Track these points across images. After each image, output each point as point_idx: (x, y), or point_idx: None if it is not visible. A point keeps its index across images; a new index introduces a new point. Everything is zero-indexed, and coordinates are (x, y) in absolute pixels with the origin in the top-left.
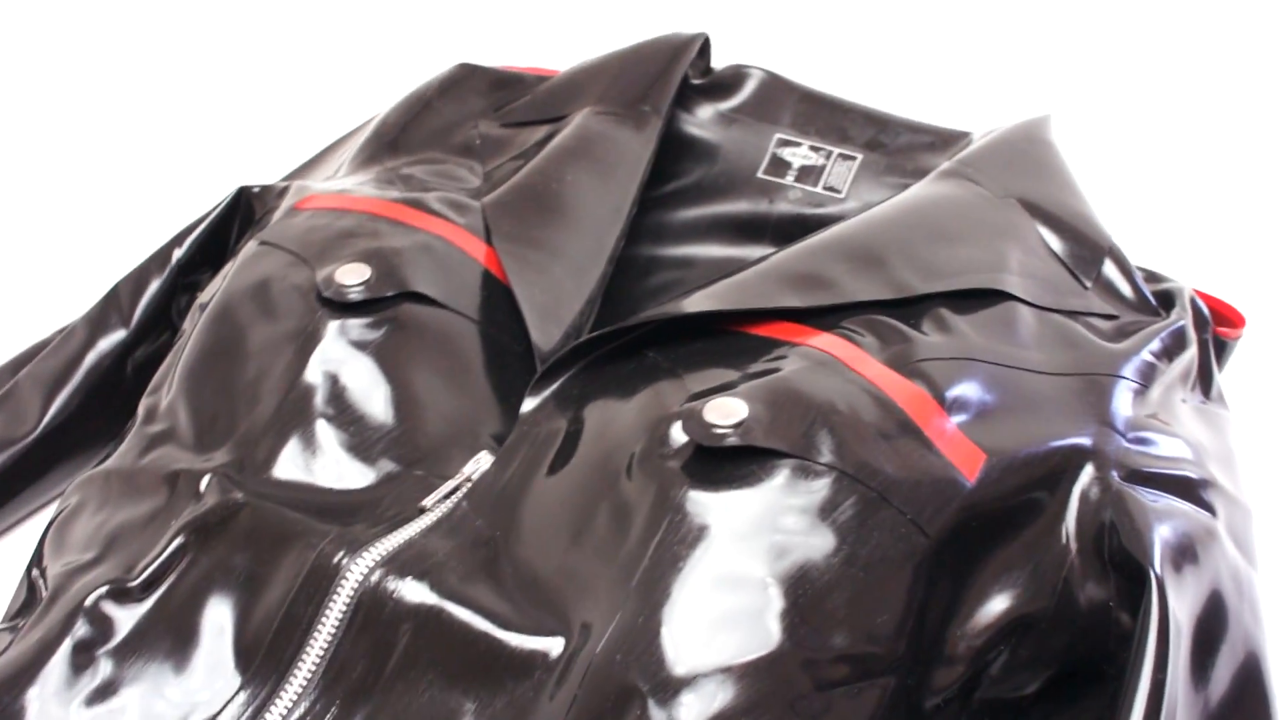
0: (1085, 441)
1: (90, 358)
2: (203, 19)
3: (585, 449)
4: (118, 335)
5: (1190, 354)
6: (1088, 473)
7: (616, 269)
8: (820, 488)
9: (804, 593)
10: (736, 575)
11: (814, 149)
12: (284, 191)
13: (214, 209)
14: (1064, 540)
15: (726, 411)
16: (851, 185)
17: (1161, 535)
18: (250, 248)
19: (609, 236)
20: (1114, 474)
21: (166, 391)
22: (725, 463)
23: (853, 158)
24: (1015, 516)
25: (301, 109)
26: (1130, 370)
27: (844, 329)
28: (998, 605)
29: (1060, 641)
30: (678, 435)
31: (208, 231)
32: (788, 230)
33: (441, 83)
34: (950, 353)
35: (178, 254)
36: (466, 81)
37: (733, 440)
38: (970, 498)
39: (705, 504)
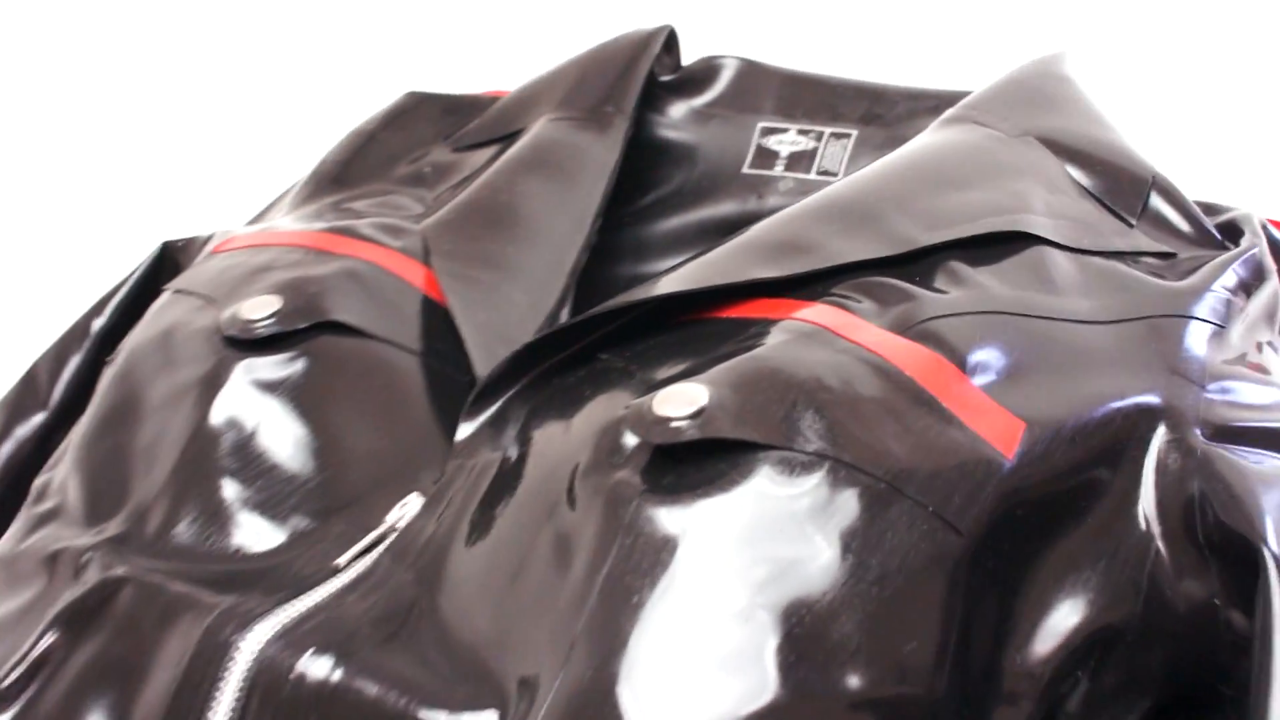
0: (1153, 398)
1: (6, 447)
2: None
3: (525, 478)
4: (36, 419)
5: (1272, 287)
6: (1162, 436)
7: (595, 294)
8: (811, 484)
9: (802, 621)
10: (710, 607)
11: (803, 132)
12: (210, 240)
13: (135, 269)
14: (1142, 525)
15: (682, 400)
16: (848, 165)
17: (1272, 501)
18: (160, 299)
19: (570, 249)
20: (1197, 433)
21: (60, 466)
22: (687, 466)
23: (847, 135)
24: (1074, 501)
25: (257, 153)
26: (1202, 309)
27: (834, 296)
28: (1066, 618)
29: (1156, 659)
30: (628, 440)
31: (130, 295)
32: None
33: (386, 114)
34: (968, 307)
35: (98, 323)
36: (415, 110)
37: (692, 434)
38: (1011, 480)
39: (664, 520)
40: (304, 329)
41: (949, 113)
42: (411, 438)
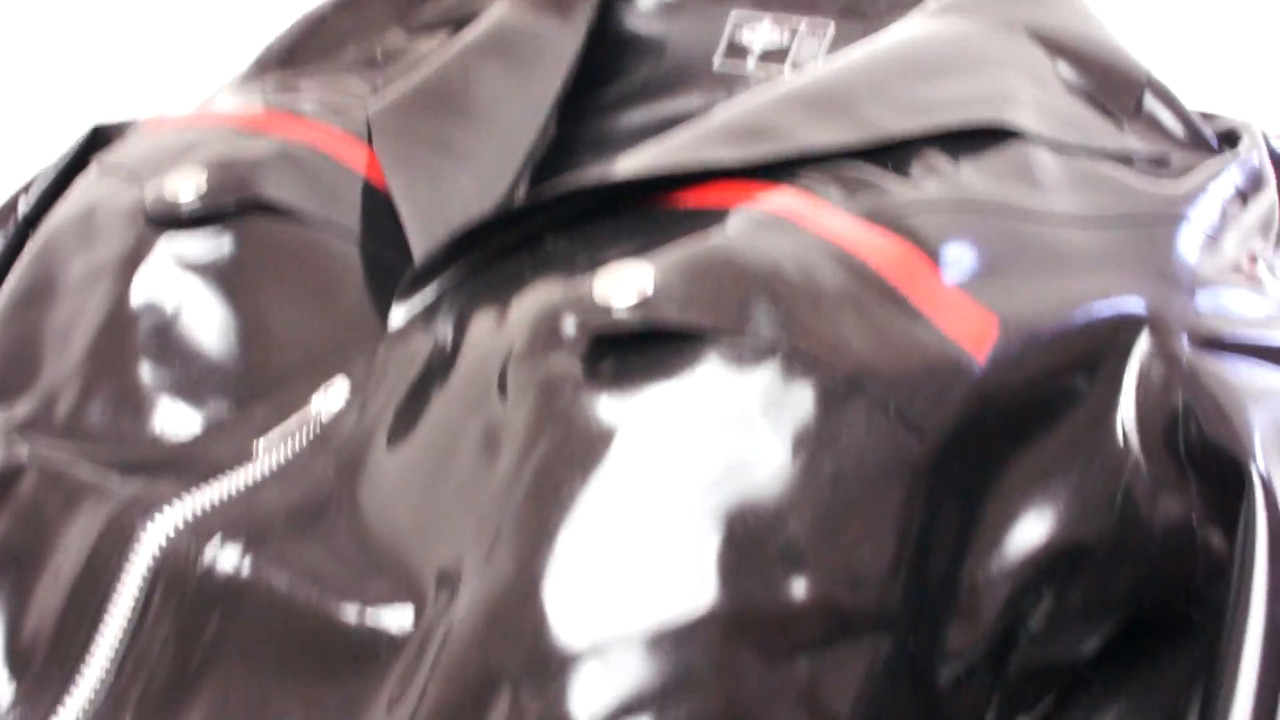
0: (1138, 305)
1: None
2: None
3: (458, 367)
4: None
5: (1270, 197)
6: (1145, 345)
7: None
8: (763, 376)
9: (746, 523)
10: (646, 505)
11: (777, 23)
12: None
13: (66, 152)
14: (1120, 437)
15: (625, 283)
16: (824, 61)
17: (1261, 417)
18: (85, 176)
19: (524, 137)
20: (1183, 342)
21: None
22: (629, 352)
23: (824, 27)
24: (1048, 409)
25: (201, 43)
26: (1195, 213)
27: (799, 183)
28: (1032, 530)
29: (1125, 578)
30: (567, 327)
31: (59, 177)
32: None
33: None
34: (943, 200)
35: (24, 205)
36: None
37: (635, 321)
38: (982, 384)
39: (601, 409)
40: (232, 209)
41: (932, 4)
42: (343, 324)
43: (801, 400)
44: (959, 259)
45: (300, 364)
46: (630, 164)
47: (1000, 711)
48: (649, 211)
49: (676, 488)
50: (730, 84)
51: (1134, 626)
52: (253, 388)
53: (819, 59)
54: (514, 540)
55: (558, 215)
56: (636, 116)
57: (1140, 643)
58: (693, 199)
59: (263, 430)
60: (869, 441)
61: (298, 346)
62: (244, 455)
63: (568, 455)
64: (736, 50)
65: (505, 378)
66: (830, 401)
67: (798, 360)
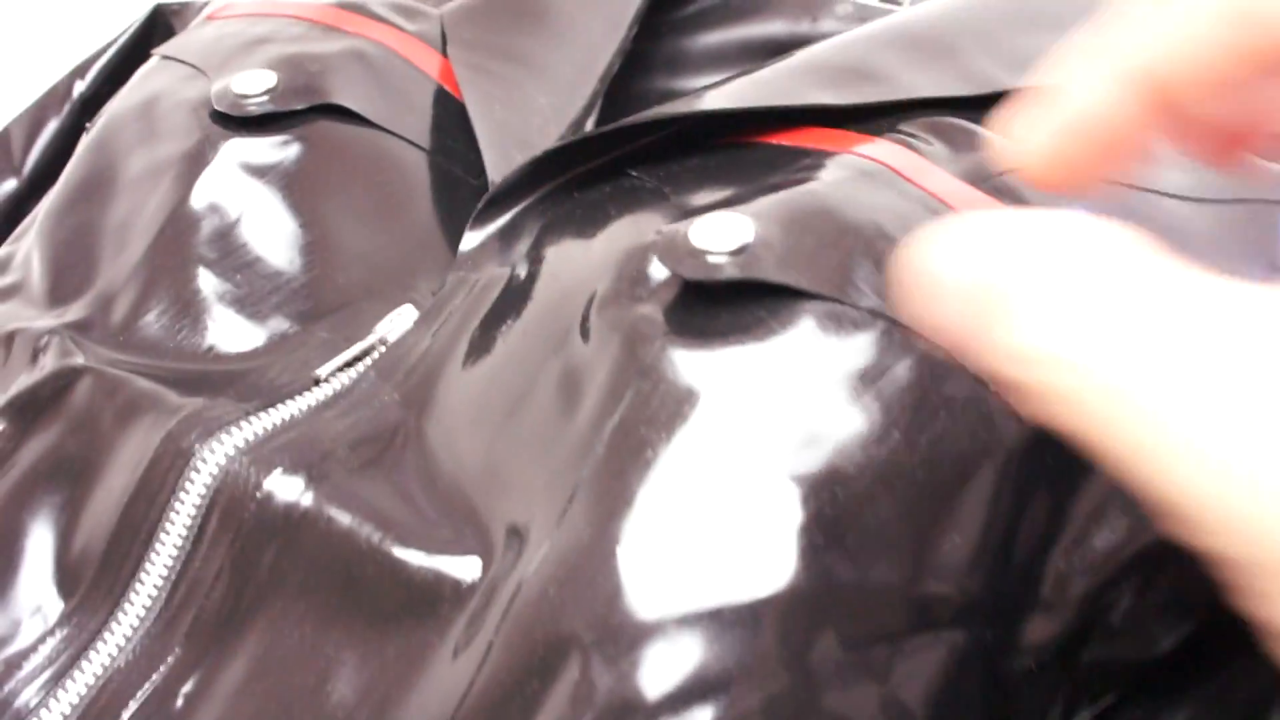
0: None
1: None
2: None
3: (535, 300)
4: (8, 186)
5: None
6: None
7: (624, 106)
8: (861, 345)
9: (835, 499)
10: (732, 471)
11: None
12: (207, 5)
13: (124, 32)
14: None
15: (724, 232)
16: None
17: None
18: (147, 65)
19: (603, 53)
20: None
21: (26, 237)
22: (721, 308)
23: None
24: None
25: None
26: None
27: (901, 133)
28: (1120, 525)
29: (1208, 580)
30: (656, 271)
31: (116, 59)
32: None
33: None
34: None
35: (80, 87)
36: None
37: (731, 272)
38: None
39: (690, 366)
40: (301, 110)
41: None
42: (411, 241)
43: (899, 374)
44: None
45: (365, 283)
46: (720, 95)
47: (1066, 704)
48: (740, 149)
49: (765, 456)
50: (814, 9)
51: (1212, 629)
52: (316, 305)
53: None
54: (592, 501)
55: (640, 144)
56: (714, 37)
57: (1217, 646)
58: (786, 139)
59: (326, 352)
60: (965, 424)
61: (363, 264)
62: (306, 377)
63: (653, 414)
64: None
65: (588, 319)
66: (930, 380)
67: (898, 332)
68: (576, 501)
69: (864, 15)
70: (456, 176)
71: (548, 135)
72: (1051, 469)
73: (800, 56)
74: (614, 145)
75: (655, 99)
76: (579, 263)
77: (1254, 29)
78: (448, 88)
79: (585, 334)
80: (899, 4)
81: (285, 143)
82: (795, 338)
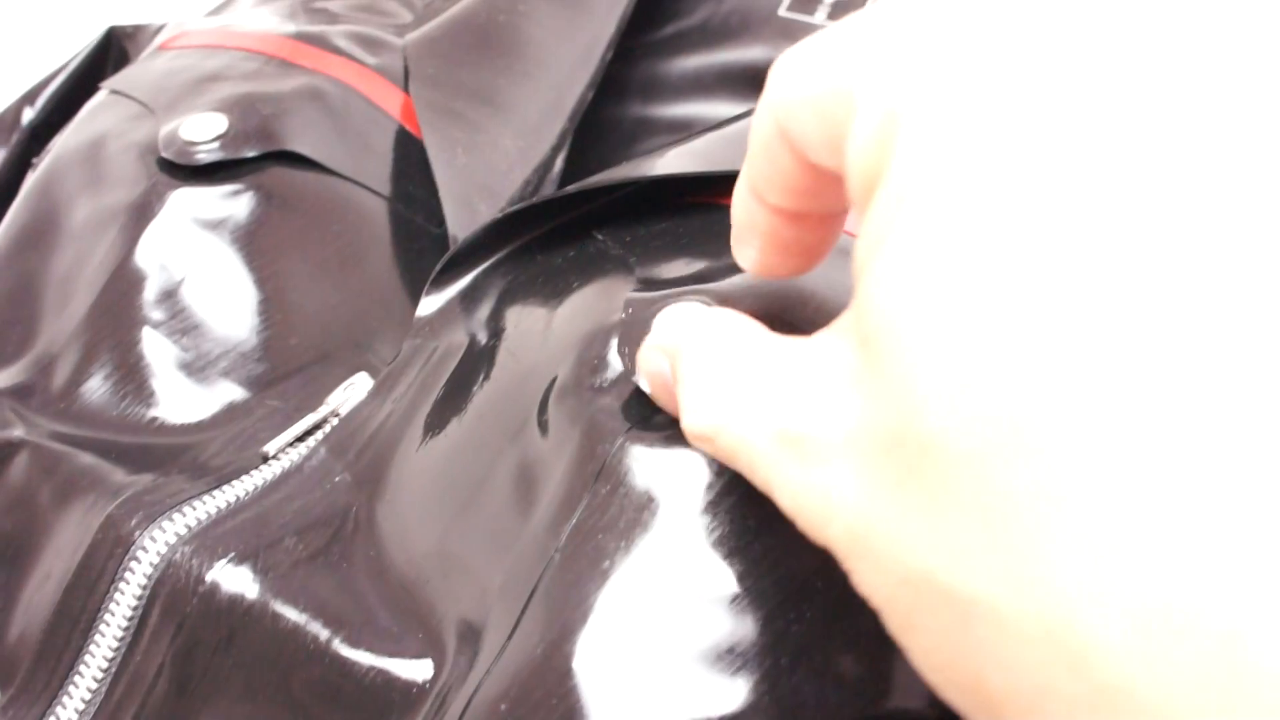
0: None
1: None
2: None
3: (493, 379)
4: None
5: None
6: None
7: (595, 134)
8: None
9: (803, 616)
10: (694, 585)
11: None
12: (161, 30)
13: (75, 56)
14: None
15: None
16: None
17: None
18: (95, 99)
19: (574, 86)
20: None
21: None
22: None
23: None
24: None
25: None
26: None
27: None
28: None
29: None
30: (618, 359)
31: (67, 85)
32: None
33: None
34: None
35: (29, 114)
36: None
37: None
38: None
39: (652, 468)
40: (254, 157)
41: None
42: (369, 297)
43: None
44: None
45: (320, 345)
46: (687, 154)
47: None
48: (709, 211)
49: (728, 568)
50: (795, 35)
51: None
52: (267, 370)
53: None
54: (547, 611)
55: (604, 202)
56: (692, 61)
57: None
58: None
59: (276, 423)
60: None
61: (318, 324)
62: (254, 454)
63: (611, 520)
64: None
65: (546, 408)
66: None
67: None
68: (531, 610)
69: None
70: (417, 226)
71: (513, 180)
72: None
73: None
74: (576, 205)
75: (629, 126)
76: (539, 341)
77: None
78: (409, 128)
79: (543, 425)
80: None
81: (236, 193)
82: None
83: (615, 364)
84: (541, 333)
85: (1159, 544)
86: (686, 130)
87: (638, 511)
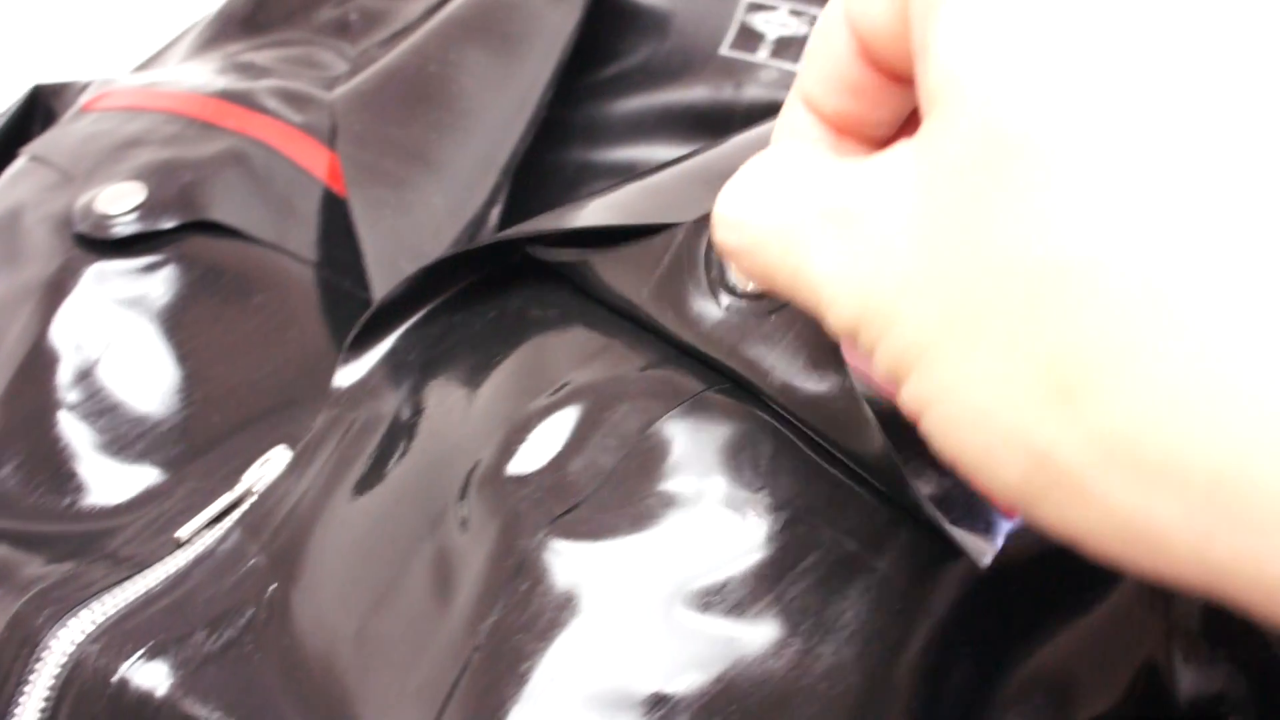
0: None
1: None
2: None
3: (412, 457)
4: None
5: None
6: None
7: (537, 180)
8: (762, 537)
9: (729, 717)
10: (613, 689)
11: (795, 13)
12: (87, 88)
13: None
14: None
15: None
16: None
17: None
18: (15, 165)
19: (508, 137)
20: None
21: None
22: (608, 490)
23: None
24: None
25: None
26: None
27: None
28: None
29: None
30: (540, 445)
31: None
32: (759, 122)
33: None
34: None
35: None
36: None
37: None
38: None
39: (572, 564)
40: (171, 229)
41: None
42: (294, 368)
43: (806, 570)
44: None
45: (242, 420)
46: (608, 206)
47: None
48: None
49: (649, 672)
50: (738, 74)
51: None
52: (187, 449)
53: None
54: (464, 714)
55: (528, 260)
56: (634, 102)
57: None
58: None
59: (194, 505)
60: (876, 624)
61: (240, 399)
62: (169, 539)
63: (530, 620)
64: (748, 36)
65: (466, 495)
66: (836, 574)
67: (804, 525)
68: (450, 711)
69: (789, 81)
70: (345, 291)
71: (442, 239)
72: (976, 643)
73: (692, 160)
74: (498, 257)
75: (572, 171)
76: (460, 419)
77: None
78: (336, 189)
79: (463, 513)
80: None
81: (154, 266)
82: (688, 529)
83: (539, 449)
84: (463, 411)
85: None
86: (629, 174)
87: (557, 611)
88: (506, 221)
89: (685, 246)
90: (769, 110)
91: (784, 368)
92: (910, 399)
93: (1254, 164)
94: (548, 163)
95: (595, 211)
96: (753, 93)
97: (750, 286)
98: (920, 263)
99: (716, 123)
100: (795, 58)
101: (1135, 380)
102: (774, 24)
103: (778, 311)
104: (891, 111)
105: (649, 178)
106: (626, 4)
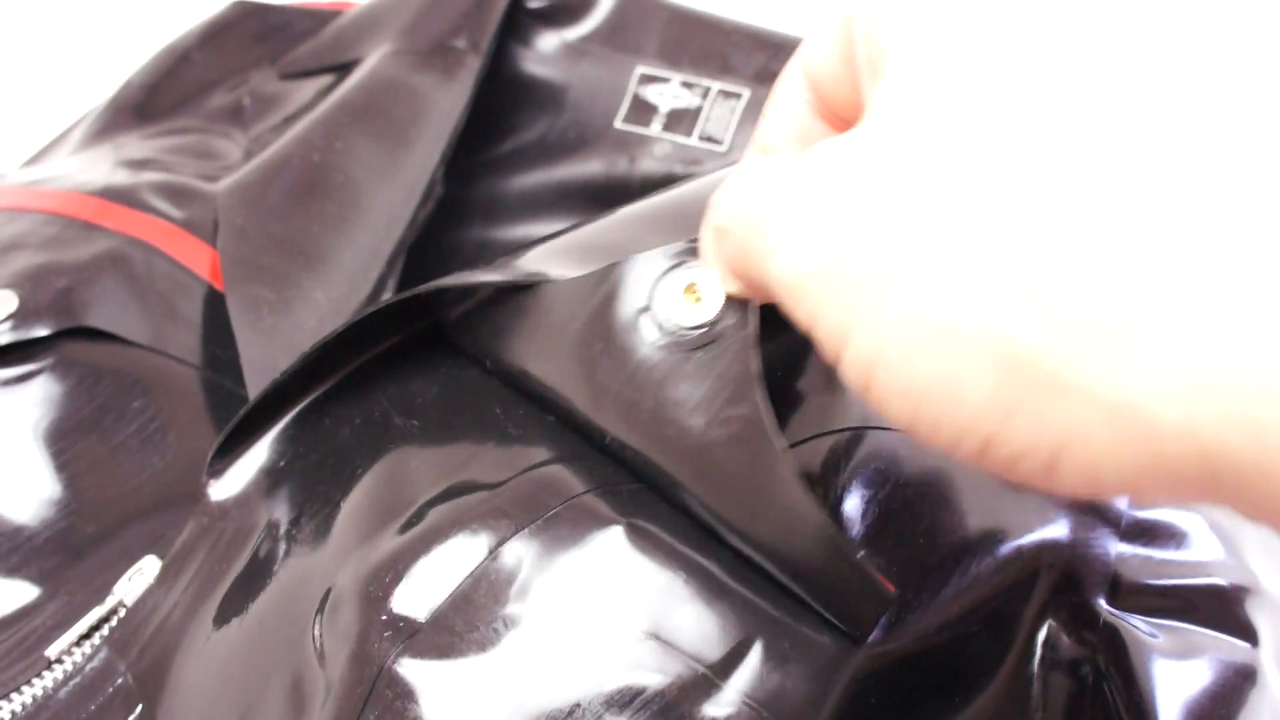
0: (1060, 529)
1: None
2: None
3: (276, 577)
4: None
5: None
6: (1051, 592)
7: (436, 259)
8: (611, 655)
9: None
10: None
11: (687, 85)
12: None
13: None
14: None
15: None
16: (736, 132)
17: (1177, 698)
18: None
19: (395, 227)
20: (1101, 595)
21: None
22: (456, 616)
23: (737, 95)
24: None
25: (57, 63)
26: None
27: None
28: None
29: None
30: (396, 601)
31: None
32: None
33: (206, 28)
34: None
35: None
36: (240, 24)
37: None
38: (872, 657)
39: (424, 687)
40: (44, 337)
41: None
42: (174, 474)
43: (651, 700)
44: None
45: (117, 529)
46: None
47: None
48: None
49: None
50: (632, 148)
51: None
52: (61, 561)
53: (730, 130)
54: None
55: (385, 347)
56: (531, 179)
57: None
58: None
59: (66, 619)
60: None
61: (116, 508)
62: (40, 657)
63: None
64: (642, 108)
65: (321, 622)
66: (682, 705)
67: (655, 642)
68: None
69: (684, 155)
70: (227, 391)
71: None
72: None
73: (572, 234)
74: (361, 348)
75: (471, 249)
76: (320, 539)
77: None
78: (218, 286)
79: (317, 644)
80: (719, 143)
81: (28, 375)
82: (533, 651)
83: (385, 580)
84: (323, 530)
85: None
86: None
87: None
88: None
89: (621, 283)
90: (663, 184)
91: (705, 405)
92: (860, 352)
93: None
94: (448, 242)
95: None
96: (646, 166)
97: (680, 323)
98: (866, 207)
99: (612, 198)
100: (688, 131)
101: (1106, 255)
102: (666, 96)
103: (704, 348)
104: None
105: (514, 254)
106: (521, 78)
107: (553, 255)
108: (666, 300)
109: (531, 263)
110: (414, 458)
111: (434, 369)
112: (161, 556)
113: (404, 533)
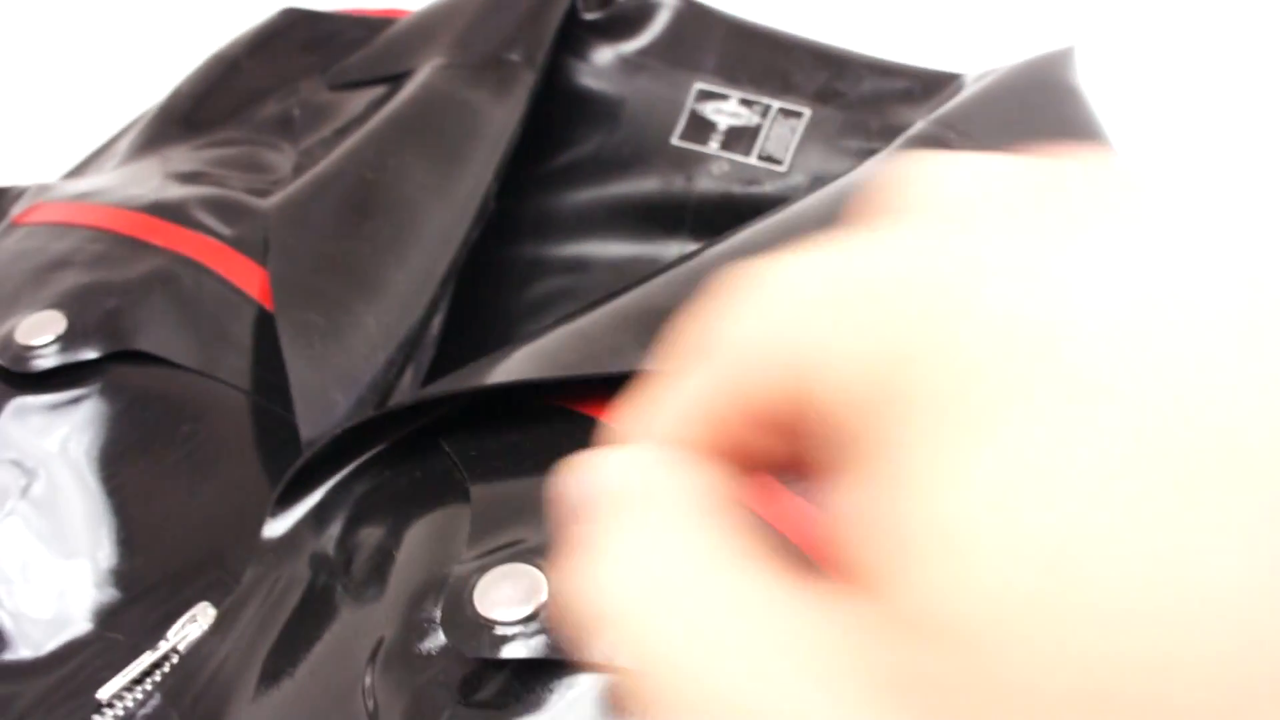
0: None
1: None
2: None
3: (331, 623)
4: None
5: None
6: None
7: (488, 276)
8: None
9: None
10: None
11: (746, 103)
12: (23, 196)
13: None
14: None
15: (513, 593)
16: (796, 153)
17: None
18: None
19: (448, 248)
20: None
21: None
22: (512, 677)
23: (798, 114)
24: None
25: (105, 69)
26: None
27: None
28: None
29: None
30: (443, 634)
31: None
32: (711, 217)
33: (255, 35)
34: None
35: None
36: (289, 32)
37: (518, 651)
38: None
39: None
40: (94, 360)
41: (920, 128)
42: (223, 505)
43: None
44: None
45: (166, 565)
46: (533, 355)
47: None
48: (555, 421)
49: None
50: (689, 166)
51: None
52: (109, 599)
53: (790, 151)
54: None
55: (455, 409)
56: (585, 194)
57: None
58: (603, 409)
59: (115, 662)
60: None
61: (164, 540)
62: (89, 698)
63: None
64: (699, 125)
65: (375, 672)
66: None
67: None
68: None
69: (742, 175)
70: (277, 417)
71: (375, 362)
72: None
73: (624, 299)
74: (408, 420)
75: (523, 267)
76: (374, 588)
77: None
78: (269, 307)
79: (369, 691)
80: (779, 162)
81: (76, 400)
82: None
83: (441, 634)
84: (378, 579)
85: None
86: (581, 270)
87: None
88: (457, 320)
89: None
90: (720, 204)
91: None
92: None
93: None
94: (500, 259)
95: (523, 362)
96: (704, 185)
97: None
98: None
99: (667, 216)
100: (746, 150)
101: None
102: (725, 114)
103: None
104: None
105: (577, 320)
106: (576, 92)
107: (573, 341)
108: None
109: (550, 350)
110: (475, 475)
111: (501, 429)
112: (215, 603)
113: None
